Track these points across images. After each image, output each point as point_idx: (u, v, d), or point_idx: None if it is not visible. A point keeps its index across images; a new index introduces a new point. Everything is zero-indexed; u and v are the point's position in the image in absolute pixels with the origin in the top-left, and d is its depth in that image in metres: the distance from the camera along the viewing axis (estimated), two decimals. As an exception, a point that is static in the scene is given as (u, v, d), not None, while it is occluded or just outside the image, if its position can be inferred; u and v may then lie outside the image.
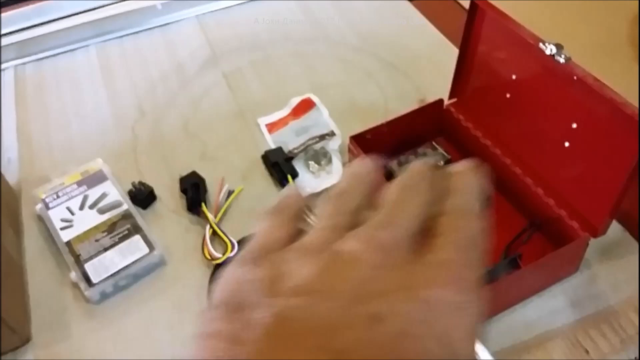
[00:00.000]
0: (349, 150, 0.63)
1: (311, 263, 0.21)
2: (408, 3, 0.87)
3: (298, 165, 0.65)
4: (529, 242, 0.56)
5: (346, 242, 0.21)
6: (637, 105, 0.45)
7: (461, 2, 0.85)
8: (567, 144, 0.53)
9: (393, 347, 0.19)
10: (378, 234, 0.22)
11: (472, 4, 0.57)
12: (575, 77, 0.49)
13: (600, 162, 0.50)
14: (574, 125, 0.52)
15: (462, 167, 0.25)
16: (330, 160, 0.66)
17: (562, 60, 0.49)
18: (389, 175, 0.61)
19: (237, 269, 0.22)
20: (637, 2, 0.80)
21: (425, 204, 0.23)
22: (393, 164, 0.62)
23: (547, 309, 0.52)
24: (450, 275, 0.21)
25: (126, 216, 0.60)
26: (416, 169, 0.25)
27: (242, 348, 0.19)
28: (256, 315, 0.19)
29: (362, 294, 0.20)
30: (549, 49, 0.50)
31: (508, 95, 0.59)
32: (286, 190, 0.22)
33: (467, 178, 0.25)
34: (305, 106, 0.73)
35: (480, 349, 0.46)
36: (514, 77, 0.57)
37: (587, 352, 0.49)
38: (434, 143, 0.64)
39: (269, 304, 0.20)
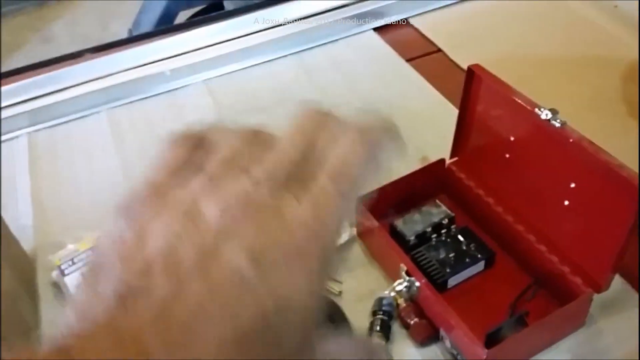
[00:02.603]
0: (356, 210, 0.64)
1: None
2: (407, 64, 0.91)
3: (306, 225, 0.67)
4: (532, 300, 0.57)
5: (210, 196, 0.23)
6: (632, 167, 0.48)
7: (459, 62, 0.88)
8: (566, 203, 0.55)
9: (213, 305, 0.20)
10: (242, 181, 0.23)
11: (469, 71, 0.60)
12: (571, 140, 0.51)
13: (600, 219, 0.52)
14: (573, 185, 0.54)
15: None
16: (337, 220, 0.67)
17: (557, 124, 0.52)
18: (394, 233, 0.63)
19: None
20: (626, 59, 0.83)
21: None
22: (399, 222, 0.64)
23: (555, 366, 0.53)
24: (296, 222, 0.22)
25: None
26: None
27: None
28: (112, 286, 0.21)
29: (208, 247, 0.21)
30: (545, 114, 0.53)
31: (507, 155, 0.61)
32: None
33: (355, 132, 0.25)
34: (311, 167, 0.75)
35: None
36: (512, 138, 0.60)
37: (596, 407, 0.50)
38: (437, 201, 0.66)
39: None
